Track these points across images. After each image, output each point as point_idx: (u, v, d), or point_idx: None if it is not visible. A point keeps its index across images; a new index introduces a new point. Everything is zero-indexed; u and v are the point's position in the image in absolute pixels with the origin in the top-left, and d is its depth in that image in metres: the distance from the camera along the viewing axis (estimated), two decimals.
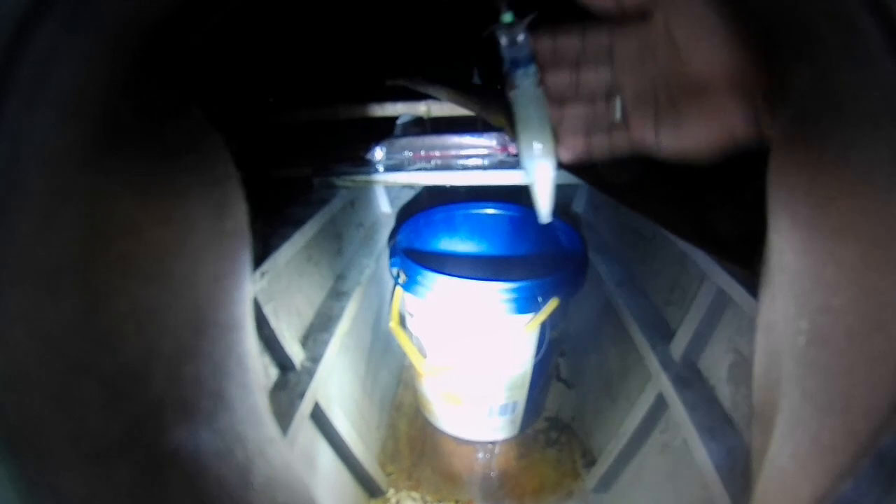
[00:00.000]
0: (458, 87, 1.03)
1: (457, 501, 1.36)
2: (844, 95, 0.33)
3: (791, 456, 0.33)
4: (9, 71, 0.28)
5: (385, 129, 1.21)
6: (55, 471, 0.31)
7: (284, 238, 0.90)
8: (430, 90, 1.06)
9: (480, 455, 1.51)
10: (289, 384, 0.90)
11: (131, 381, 0.36)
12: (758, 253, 0.41)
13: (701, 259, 0.85)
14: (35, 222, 0.30)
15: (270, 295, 0.85)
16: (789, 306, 0.35)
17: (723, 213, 0.64)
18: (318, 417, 1.00)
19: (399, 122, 1.48)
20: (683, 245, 0.92)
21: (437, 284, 1.11)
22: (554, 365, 1.58)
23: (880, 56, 0.30)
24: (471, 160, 1.08)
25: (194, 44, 0.49)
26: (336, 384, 1.13)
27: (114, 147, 0.36)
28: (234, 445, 0.41)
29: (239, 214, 0.45)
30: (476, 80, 1.40)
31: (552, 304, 1.09)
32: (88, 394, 0.33)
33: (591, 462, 1.38)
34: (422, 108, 1.08)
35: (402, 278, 1.18)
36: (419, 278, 1.14)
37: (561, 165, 0.78)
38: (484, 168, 1.05)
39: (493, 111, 0.94)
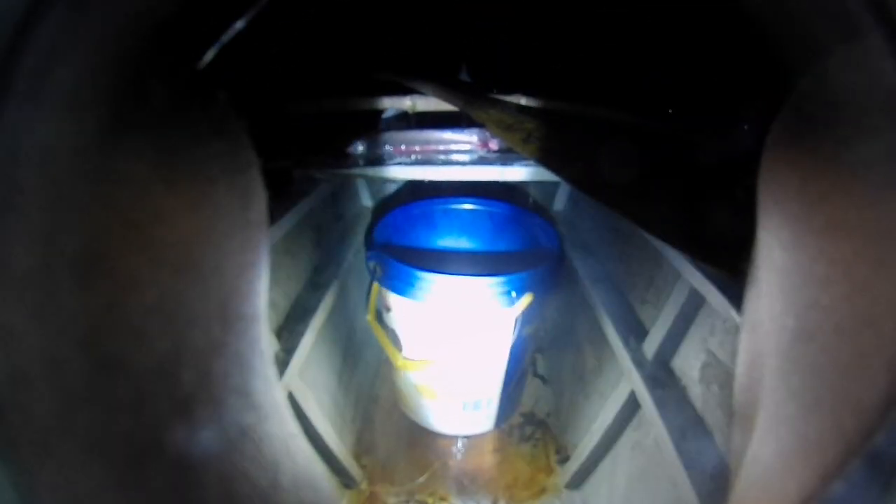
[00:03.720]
0: (445, 83, 1.03)
1: (431, 495, 1.36)
2: (843, 96, 0.33)
3: (775, 453, 0.33)
4: (11, 65, 0.28)
5: (369, 123, 1.21)
6: (70, 476, 0.30)
7: None
8: (416, 84, 1.05)
9: (455, 449, 1.52)
10: None
11: (161, 378, 0.35)
12: (745, 252, 0.41)
13: (675, 259, 0.85)
14: (52, 210, 0.30)
15: None
16: (776, 304, 0.35)
17: (713, 211, 0.64)
18: (292, 408, 1.00)
19: (384, 116, 1.47)
20: (660, 245, 0.92)
21: (412, 279, 1.11)
22: (530, 360, 1.59)
23: (880, 57, 0.30)
24: (452, 155, 1.08)
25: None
26: (311, 376, 1.12)
27: (136, 131, 0.35)
28: (261, 443, 0.41)
29: (262, 203, 0.44)
30: (464, 76, 1.40)
31: (526, 300, 1.10)
32: (115, 393, 0.32)
33: (565, 458, 1.39)
34: (406, 103, 1.08)
35: (379, 273, 1.18)
36: (395, 273, 1.14)
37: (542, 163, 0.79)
38: (464, 164, 1.05)
39: (476, 107, 0.94)
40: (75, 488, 0.30)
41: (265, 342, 0.43)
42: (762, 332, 0.37)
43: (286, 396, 0.93)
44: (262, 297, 0.44)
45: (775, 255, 0.36)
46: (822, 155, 0.34)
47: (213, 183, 0.41)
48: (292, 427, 0.46)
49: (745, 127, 0.69)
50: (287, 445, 0.44)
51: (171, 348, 0.35)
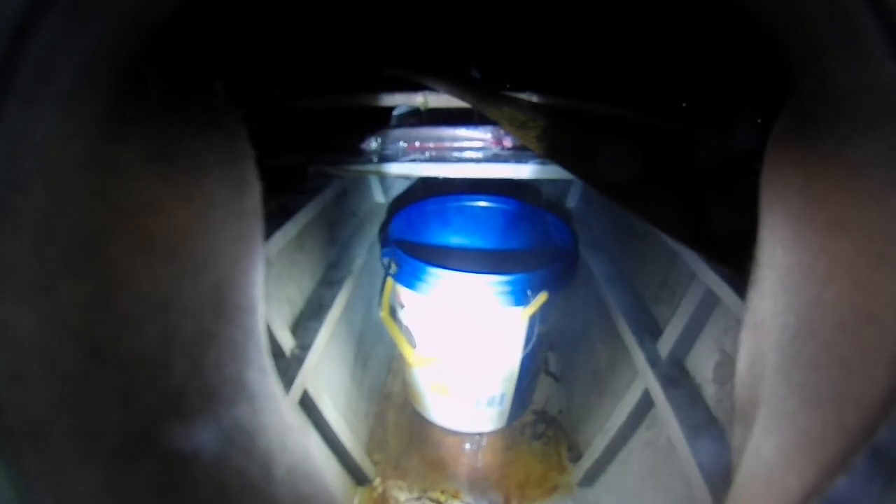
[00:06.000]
0: (457, 80, 1.03)
1: (443, 492, 1.37)
2: (844, 95, 0.33)
3: (777, 448, 0.33)
4: (11, 65, 0.28)
5: (382, 120, 1.21)
6: (65, 470, 0.30)
7: (276, 226, 0.90)
8: (428, 81, 1.05)
9: (467, 446, 1.52)
10: (278, 372, 0.89)
11: (152, 368, 0.35)
12: (749, 251, 0.41)
13: (690, 258, 0.85)
14: (47, 202, 0.30)
15: None
16: (778, 301, 0.35)
17: (720, 209, 0.64)
18: (307, 405, 1.00)
19: (396, 112, 1.47)
20: (674, 243, 0.92)
21: (427, 275, 1.11)
22: (543, 358, 1.59)
23: (880, 56, 0.30)
24: (465, 152, 1.08)
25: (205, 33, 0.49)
26: (325, 372, 1.13)
27: (131, 122, 0.35)
28: (255, 435, 0.41)
29: (256, 194, 0.44)
30: (475, 74, 1.40)
31: (541, 298, 1.10)
32: (107, 382, 0.32)
33: (577, 456, 1.38)
34: (419, 99, 1.08)
35: (393, 269, 1.18)
36: (409, 269, 1.14)
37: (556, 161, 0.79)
38: (478, 161, 1.05)
39: (488, 104, 0.94)
40: (71, 483, 0.30)
41: (261, 333, 0.44)
42: (764, 330, 0.37)
43: (301, 394, 0.94)
44: (257, 287, 0.44)
45: (777, 253, 0.36)
46: (823, 153, 0.34)
47: (207, 173, 0.41)
48: (289, 418, 0.46)
49: (748, 124, 0.69)
50: (282, 437, 0.44)
51: (162, 337, 0.36)
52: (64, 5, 0.30)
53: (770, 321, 0.36)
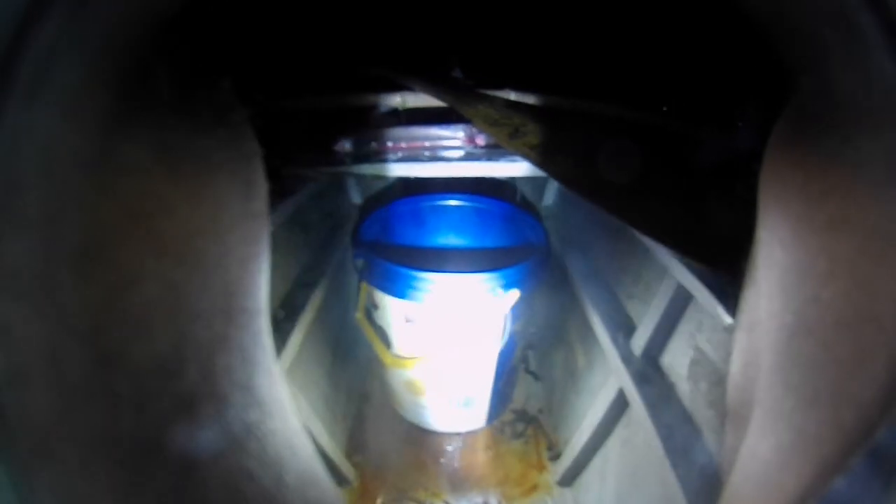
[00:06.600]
0: (433, 79, 1.03)
1: (423, 492, 1.36)
2: (844, 95, 0.33)
3: (773, 448, 0.33)
4: (11, 65, 0.28)
5: (358, 120, 1.20)
6: (71, 477, 0.30)
7: None
8: (405, 80, 1.05)
9: (447, 446, 1.52)
10: None
11: (163, 374, 0.34)
12: (743, 252, 0.41)
13: (661, 254, 0.85)
14: (52, 203, 0.29)
15: None
16: (775, 301, 0.35)
17: (710, 211, 0.64)
18: None
19: (376, 112, 1.46)
20: (647, 240, 0.91)
21: (398, 276, 1.11)
22: (520, 357, 1.58)
23: (880, 56, 0.30)
24: (438, 151, 1.07)
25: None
26: (300, 374, 1.12)
27: (139, 119, 0.35)
28: (265, 441, 0.40)
29: (264, 194, 0.44)
30: (457, 73, 1.39)
31: (513, 296, 1.10)
32: (116, 388, 0.32)
33: (556, 455, 1.39)
34: (396, 99, 1.07)
35: (366, 271, 1.17)
36: (381, 271, 1.13)
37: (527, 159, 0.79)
38: (450, 160, 1.04)
39: (464, 103, 0.93)
40: (75, 489, 0.30)
41: (267, 336, 0.43)
42: (760, 331, 0.37)
43: None
44: (263, 290, 0.43)
45: (776, 253, 0.36)
46: (823, 153, 0.34)
47: (215, 173, 0.41)
48: (295, 423, 0.45)
49: (742, 124, 0.69)
50: (291, 442, 0.43)
51: (173, 343, 0.35)
52: (65, 2, 0.29)
53: (767, 321, 0.36)
